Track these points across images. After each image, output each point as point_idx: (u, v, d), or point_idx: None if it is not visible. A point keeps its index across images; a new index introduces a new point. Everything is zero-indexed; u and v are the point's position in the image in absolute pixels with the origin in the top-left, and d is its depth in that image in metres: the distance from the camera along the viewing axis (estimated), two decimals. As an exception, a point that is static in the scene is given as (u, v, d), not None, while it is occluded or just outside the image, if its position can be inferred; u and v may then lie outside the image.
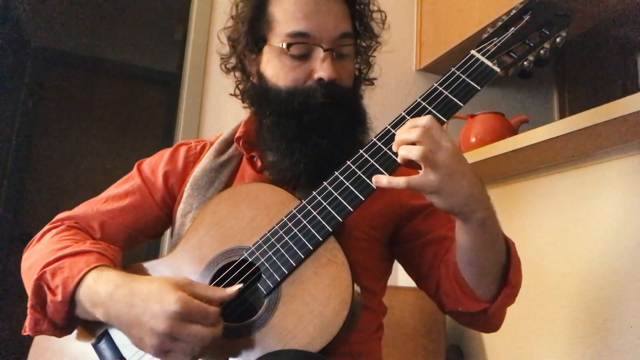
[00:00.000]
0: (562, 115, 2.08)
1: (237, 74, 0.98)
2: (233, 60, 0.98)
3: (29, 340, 0.86)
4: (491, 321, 0.86)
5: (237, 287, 0.73)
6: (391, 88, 1.98)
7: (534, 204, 1.38)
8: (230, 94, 1.01)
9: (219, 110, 1.82)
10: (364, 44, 0.97)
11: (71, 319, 0.78)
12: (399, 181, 0.69)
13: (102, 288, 0.74)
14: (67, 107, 2.80)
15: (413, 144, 0.68)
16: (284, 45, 0.85)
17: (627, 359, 1.07)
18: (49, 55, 2.70)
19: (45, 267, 0.78)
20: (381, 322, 0.94)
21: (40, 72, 2.67)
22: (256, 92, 0.93)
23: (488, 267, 0.79)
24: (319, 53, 0.85)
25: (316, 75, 0.85)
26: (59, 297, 0.75)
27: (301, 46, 0.85)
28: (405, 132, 0.69)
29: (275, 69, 0.88)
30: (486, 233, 0.74)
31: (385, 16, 0.99)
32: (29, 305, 0.78)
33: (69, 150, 2.77)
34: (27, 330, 0.79)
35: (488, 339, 1.45)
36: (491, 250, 0.77)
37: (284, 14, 0.87)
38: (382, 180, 0.70)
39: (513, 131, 1.50)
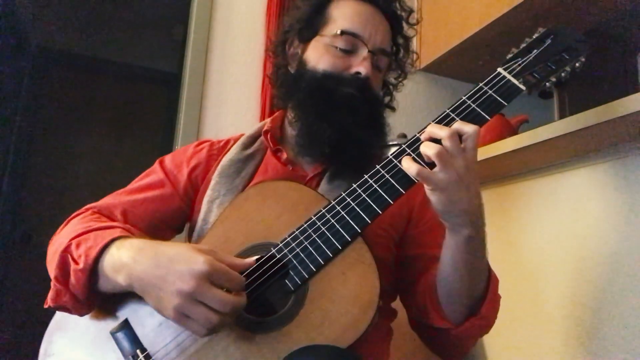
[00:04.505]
0: (562, 115, 2.08)
1: (279, 60, 1.04)
2: (279, 47, 1.03)
3: (29, 338, 0.86)
4: (452, 347, 0.87)
5: (253, 258, 0.75)
6: (391, 88, 1.98)
7: (534, 204, 1.38)
8: (267, 75, 1.11)
9: (219, 110, 1.82)
10: (392, 78, 1.06)
11: (91, 293, 0.77)
12: (410, 169, 0.72)
13: (124, 253, 0.74)
14: (67, 107, 2.79)
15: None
16: (339, 32, 0.92)
17: (625, 358, 1.08)
18: (49, 55, 2.70)
19: (71, 240, 0.79)
20: (390, 326, 0.95)
21: (40, 72, 2.67)
22: (292, 77, 0.98)
23: (462, 287, 0.80)
24: (363, 51, 0.92)
25: (354, 69, 0.91)
26: (80, 265, 0.76)
27: (350, 39, 0.92)
28: (436, 127, 0.73)
29: (318, 55, 0.94)
30: (469, 252, 0.76)
31: (418, 57, 1.06)
32: (52, 276, 0.79)
33: (69, 150, 2.76)
34: (48, 301, 0.80)
35: (488, 339, 1.45)
36: (469, 272, 0.79)
37: (342, 14, 0.95)
38: (403, 161, 0.74)
39: (513, 131, 1.50)
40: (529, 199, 1.40)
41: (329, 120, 0.89)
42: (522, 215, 1.41)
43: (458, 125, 0.73)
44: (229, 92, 1.83)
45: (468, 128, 0.72)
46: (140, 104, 2.96)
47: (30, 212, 2.52)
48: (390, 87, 1.07)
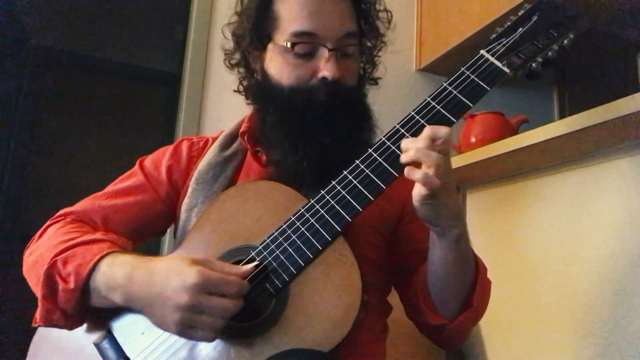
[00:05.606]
0: (562, 115, 2.08)
1: (241, 70, 0.98)
2: (237, 56, 0.97)
3: (28, 339, 0.85)
4: (449, 341, 0.87)
5: (252, 264, 0.73)
6: (391, 88, 1.98)
7: (534, 204, 1.38)
8: (234, 91, 1.01)
9: (219, 110, 1.82)
10: (369, 44, 0.97)
11: (82, 309, 0.76)
12: (415, 175, 0.68)
13: (118, 271, 0.73)
14: (66, 107, 2.80)
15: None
16: (289, 45, 0.85)
17: (625, 359, 1.07)
18: (49, 55, 2.70)
19: (56, 257, 0.77)
20: (386, 322, 0.94)
21: (40, 72, 2.66)
22: (259, 89, 0.93)
23: (454, 284, 0.79)
24: (324, 52, 0.84)
25: (320, 75, 0.84)
26: (71, 285, 0.74)
27: (306, 45, 0.84)
28: (410, 142, 0.70)
29: (279, 66, 0.87)
30: (458, 250, 0.76)
31: (392, 16, 0.99)
32: (39, 295, 0.77)
33: (69, 150, 2.76)
34: (38, 321, 0.78)
35: (489, 339, 1.45)
36: (460, 269, 0.78)
37: (289, 12, 0.86)
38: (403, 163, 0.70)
39: (513, 131, 1.50)
40: (529, 199, 1.40)
41: (304, 147, 0.83)
42: (522, 215, 1.41)
43: (431, 130, 0.69)
44: (229, 92, 1.82)
45: (442, 131, 0.69)
46: (141, 103, 2.96)
47: (30, 212, 2.52)
48: (372, 56, 0.99)
